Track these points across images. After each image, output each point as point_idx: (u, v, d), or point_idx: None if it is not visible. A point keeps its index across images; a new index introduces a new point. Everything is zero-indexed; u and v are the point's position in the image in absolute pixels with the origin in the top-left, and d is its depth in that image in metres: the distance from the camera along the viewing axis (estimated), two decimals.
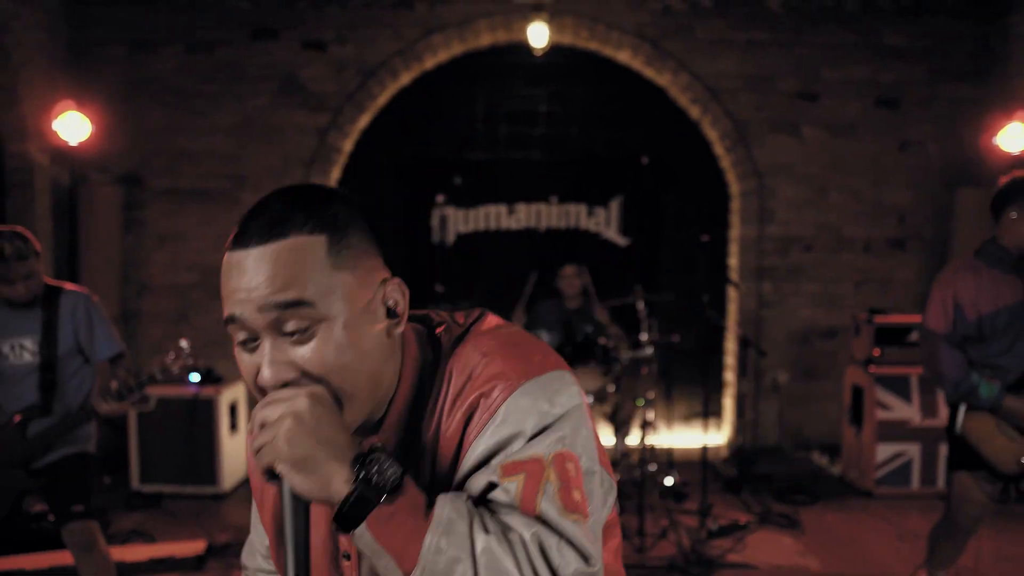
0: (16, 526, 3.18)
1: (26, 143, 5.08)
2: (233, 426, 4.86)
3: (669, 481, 4.67)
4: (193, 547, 3.87)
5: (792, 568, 3.75)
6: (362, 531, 0.81)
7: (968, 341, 2.84)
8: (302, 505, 0.83)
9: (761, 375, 5.65)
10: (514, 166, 5.79)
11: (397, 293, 0.92)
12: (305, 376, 0.86)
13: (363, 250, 0.90)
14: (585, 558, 0.83)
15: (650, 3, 5.40)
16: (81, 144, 4.96)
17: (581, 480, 0.85)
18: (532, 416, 0.85)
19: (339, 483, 0.80)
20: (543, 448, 0.84)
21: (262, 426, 0.83)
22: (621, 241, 5.82)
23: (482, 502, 0.84)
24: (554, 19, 5.36)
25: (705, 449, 4.34)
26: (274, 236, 0.86)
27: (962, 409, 2.84)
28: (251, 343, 0.88)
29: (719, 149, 5.69)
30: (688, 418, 5.80)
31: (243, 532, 4.04)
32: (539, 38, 5.20)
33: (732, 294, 5.79)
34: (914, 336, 4.75)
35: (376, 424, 0.94)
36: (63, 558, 3.70)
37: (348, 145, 5.62)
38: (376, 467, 0.80)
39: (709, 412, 5.84)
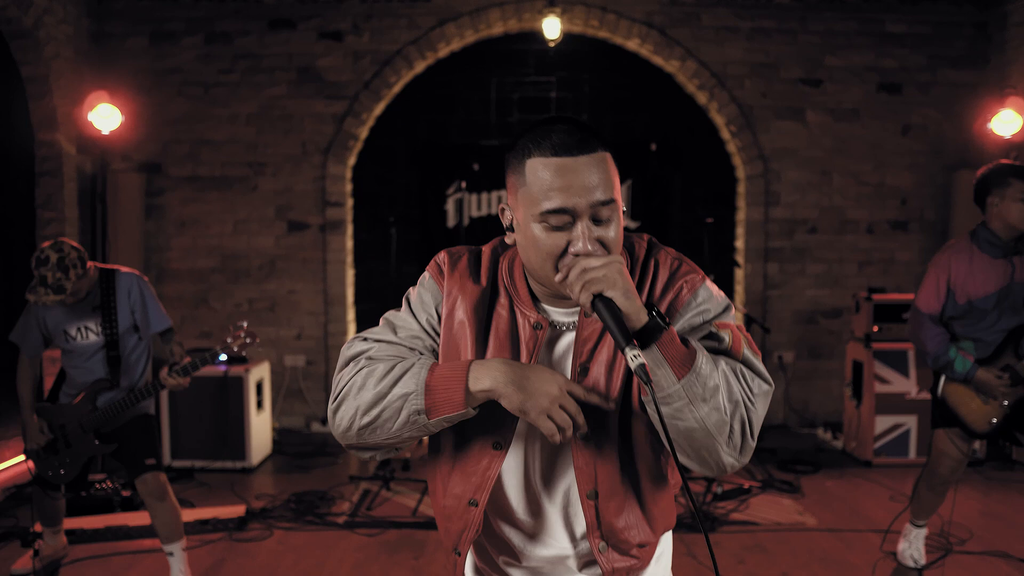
0: (79, 490, 3.71)
1: (55, 132, 5.72)
2: (259, 404, 5.51)
3: None
4: (234, 510, 4.50)
5: (791, 524, 4.40)
6: (653, 349, 1.23)
7: (956, 319, 3.41)
8: (618, 314, 1.24)
9: (768, 354, 6.31)
10: None
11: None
12: (602, 247, 1.31)
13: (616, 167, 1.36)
14: (768, 382, 1.34)
15: None
16: (108, 133, 5.57)
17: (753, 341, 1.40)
18: (719, 301, 1.39)
19: (643, 312, 1.25)
20: (731, 319, 1.39)
21: (593, 269, 1.23)
22: (631, 224, 6.47)
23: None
24: (565, 9, 5.99)
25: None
26: (592, 149, 1.30)
27: (943, 376, 3.43)
28: (564, 226, 1.29)
29: (726, 134, 6.33)
30: None
31: (276, 500, 4.71)
32: (552, 30, 5.82)
33: (738, 275, 6.45)
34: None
35: None
36: (116, 519, 4.38)
37: (364, 132, 6.24)
38: (659, 311, 1.26)
39: None
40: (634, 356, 1.18)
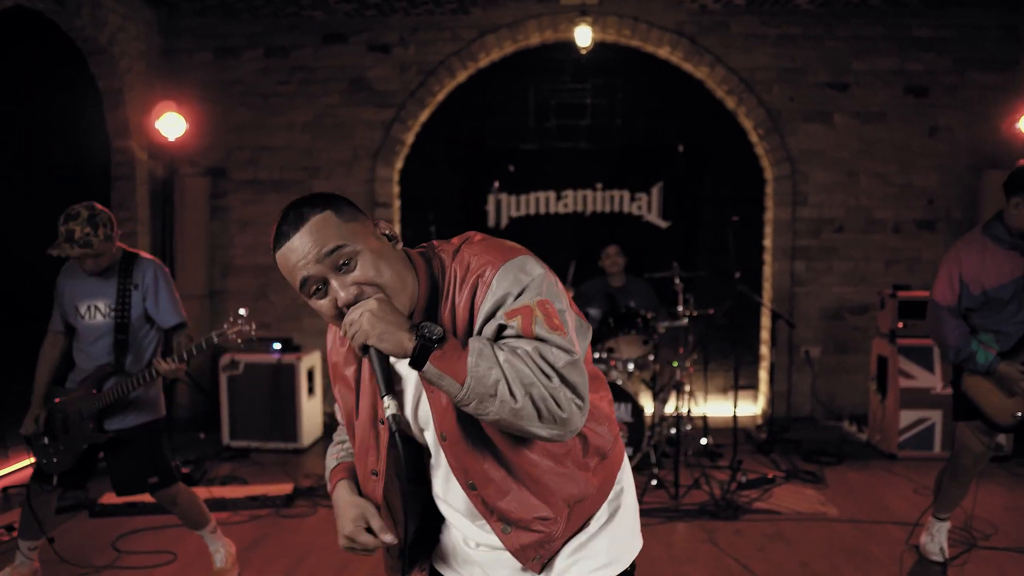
0: (76, 486, 3.26)
1: (128, 140, 5.77)
2: (311, 390, 5.48)
3: (704, 441, 5.13)
4: (282, 488, 4.47)
5: (812, 514, 4.17)
6: (427, 366, 1.22)
7: (974, 311, 3.17)
8: (384, 359, 1.28)
9: (795, 349, 6.05)
10: (562, 155, 6.25)
11: (385, 227, 1.38)
12: (364, 287, 1.29)
13: (354, 212, 1.34)
14: (569, 352, 1.26)
15: (687, 2, 5.80)
16: (175, 140, 5.61)
17: (556, 314, 1.30)
18: (515, 283, 1.30)
19: (407, 342, 1.23)
20: (528, 299, 1.29)
21: (350, 324, 1.25)
22: (662, 224, 6.27)
23: (496, 340, 1.30)
24: (598, 19, 5.83)
25: (735, 416, 4.79)
26: (303, 220, 1.30)
27: (963, 371, 3.19)
28: (321, 291, 1.31)
29: (754, 137, 6.09)
30: (724, 390, 6.24)
31: (323, 479, 4.64)
32: (584, 38, 5.67)
33: (767, 272, 6.20)
34: None
35: (410, 315, 1.36)
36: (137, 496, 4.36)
37: (410, 138, 6.17)
38: (427, 330, 1.23)
39: (745, 383, 6.29)
40: (387, 407, 1.26)
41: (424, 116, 6.15)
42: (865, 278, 6.03)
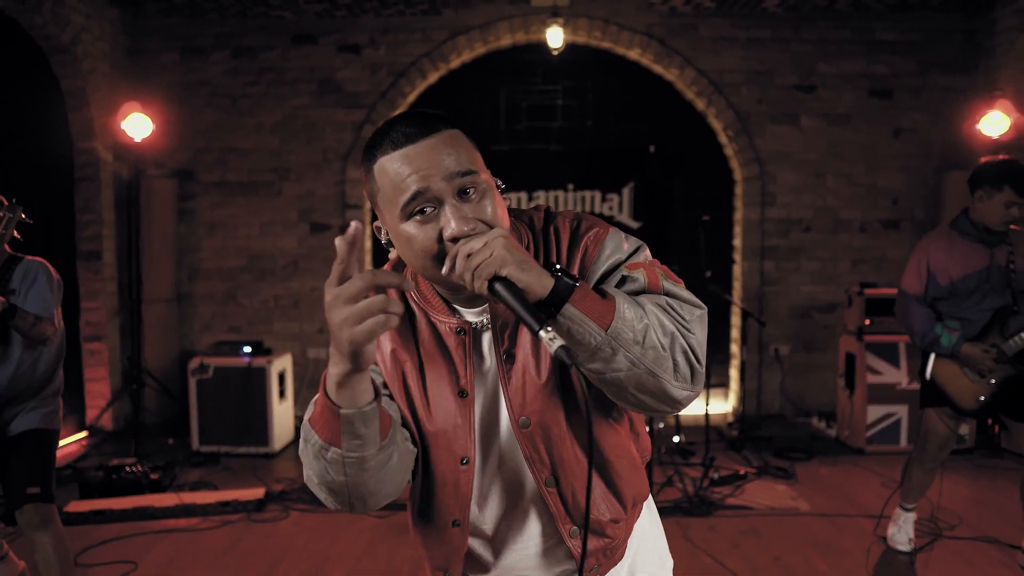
0: None
1: (93, 141, 5.69)
2: (282, 393, 5.43)
3: (676, 439, 5.19)
4: (254, 493, 4.42)
5: (784, 509, 4.24)
6: (568, 308, 1.06)
7: (941, 300, 3.29)
8: (519, 293, 1.06)
9: (765, 347, 6.14)
10: (534, 156, 6.28)
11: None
12: (481, 223, 1.11)
13: (474, 143, 1.19)
14: (697, 305, 1.18)
15: (657, 5, 5.87)
16: (141, 141, 5.54)
17: (671, 273, 1.23)
18: (627, 242, 1.24)
19: (546, 278, 1.07)
20: (642, 258, 1.23)
21: (475, 253, 1.05)
22: (633, 224, 6.34)
23: None
24: (569, 21, 5.88)
25: (707, 414, 4.86)
26: (435, 129, 1.12)
27: (932, 356, 3.34)
28: (428, 213, 1.10)
29: (723, 138, 6.18)
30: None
31: (296, 483, 4.62)
32: (555, 40, 5.72)
33: (737, 272, 6.29)
34: None
35: None
36: (143, 501, 4.31)
37: None
38: (561, 270, 1.10)
39: (716, 381, 6.36)
40: (551, 339, 1.00)
41: None
42: (833, 277, 6.15)
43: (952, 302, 3.28)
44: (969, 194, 3.27)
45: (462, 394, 1.24)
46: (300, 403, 5.96)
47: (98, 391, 5.83)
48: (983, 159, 3.31)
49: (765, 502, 4.33)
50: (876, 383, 5.19)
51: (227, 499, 4.34)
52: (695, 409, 6.06)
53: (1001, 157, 3.28)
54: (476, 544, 1.35)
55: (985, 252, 3.22)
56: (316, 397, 1.11)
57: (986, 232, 3.21)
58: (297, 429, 5.75)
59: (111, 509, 4.20)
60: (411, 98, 6.14)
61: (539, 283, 1.06)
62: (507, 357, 1.24)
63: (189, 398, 5.32)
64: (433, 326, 1.26)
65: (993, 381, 3.22)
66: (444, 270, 1.10)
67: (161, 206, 5.99)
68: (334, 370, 1.03)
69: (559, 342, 1.00)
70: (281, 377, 5.44)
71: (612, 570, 1.39)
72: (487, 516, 1.31)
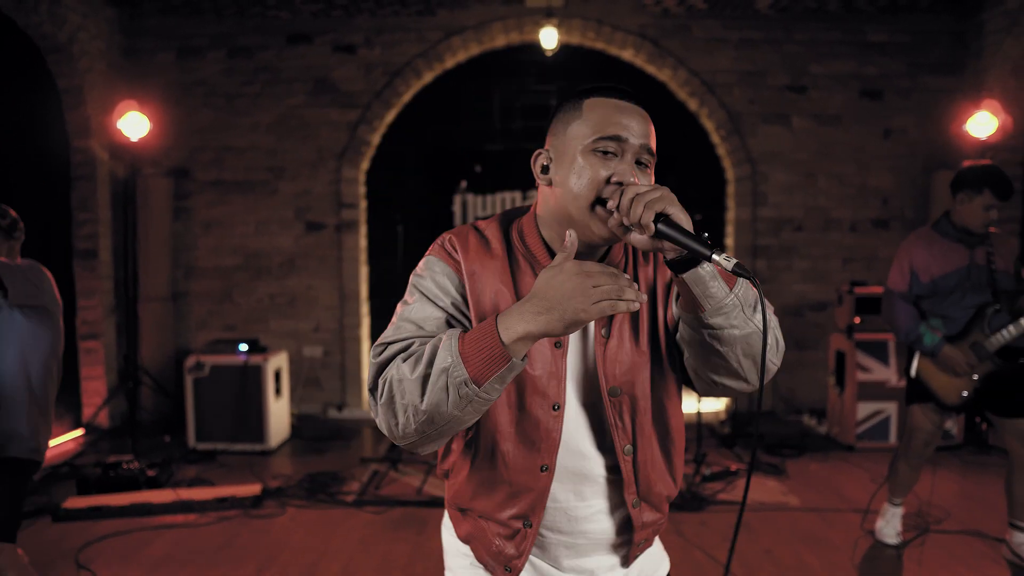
0: None
1: (89, 140, 5.71)
2: (278, 391, 5.46)
3: None
4: (250, 489, 4.45)
5: (775, 504, 4.29)
6: (707, 265, 1.16)
7: (923, 298, 3.39)
8: (685, 229, 1.13)
9: None
10: (528, 156, 6.18)
11: None
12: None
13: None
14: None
15: (650, 6, 5.92)
16: (138, 140, 5.55)
17: None
18: None
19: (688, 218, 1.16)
20: None
21: (647, 191, 1.14)
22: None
23: None
24: (563, 22, 5.92)
25: (699, 412, 4.92)
26: (640, 105, 1.29)
27: (916, 353, 3.43)
28: (613, 156, 1.23)
29: (715, 138, 6.23)
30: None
31: (291, 480, 4.66)
32: (549, 41, 5.76)
33: None
34: None
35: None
36: (140, 497, 4.34)
37: (376, 139, 6.19)
38: (697, 222, 1.33)
39: None
40: (727, 258, 1.09)
41: (390, 117, 6.17)
42: (824, 276, 6.21)
43: (934, 300, 3.37)
44: (952, 198, 3.36)
45: (558, 344, 1.30)
46: (295, 401, 6.00)
47: (94, 389, 5.85)
48: (965, 163, 3.40)
49: (756, 497, 4.39)
50: (866, 380, 5.24)
51: (224, 495, 4.37)
52: (687, 407, 6.13)
53: (982, 162, 3.38)
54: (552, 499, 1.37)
55: (965, 252, 3.31)
56: (470, 335, 1.15)
57: (966, 233, 3.31)
58: (293, 427, 5.78)
59: (108, 505, 4.22)
60: (406, 98, 6.17)
61: (691, 226, 1.14)
62: (605, 331, 1.32)
63: (185, 396, 5.35)
64: (494, 271, 1.33)
65: (976, 377, 3.29)
66: (611, 204, 1.18)
67: (157, 205, 6.01)
68: (535, 328, 1.11)
69: (734, 260, 1.09)
70: (277, 375, 5.47)
71: (639, 558, 1.45)
72: (565, 471, 1.34)
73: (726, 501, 4.31)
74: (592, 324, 1.32)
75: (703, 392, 1.34)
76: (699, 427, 4.87)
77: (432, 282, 1.31)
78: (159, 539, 3.86)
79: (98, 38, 5.74)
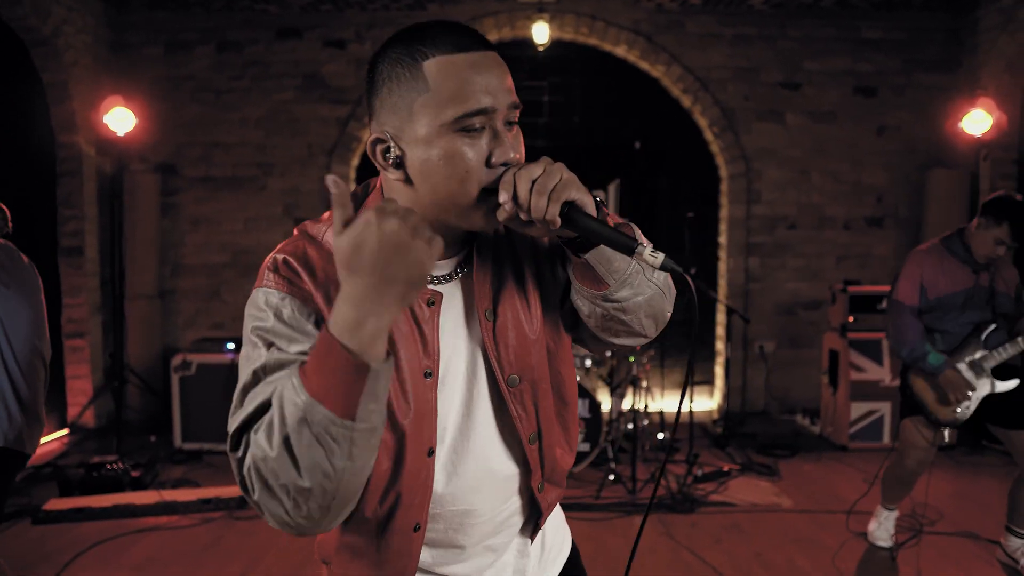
0: None
1: (75, 135, 5.63)
2: None
3: (661, 436, 5.19)
4: (235, 490, 4.38)
5: (767, 505, 4.25)
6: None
7: (924, 312, 3.36)
8: (598, 219, 1.01)
9: (750, 344, 6.15)
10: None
11: None
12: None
13: None
14: None
15: (644, 1, 5.86)
16: (124, 136, 5.47)
17: None
18: None
19: (594, 207, 1.02)
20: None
21: (548, 175, 0.98)
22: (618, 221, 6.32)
23: None
24: (556, 17, 5.86)
25: (691, 412, 4.87)
26: (490, 46, 1.03)
27: (911, 368, 3.38)
28: (482, 132, 1.00)
29: (709, 135, 6.18)
30: (681, 385, 6.30)
31: None
32: (541, 36, 5.70)
33: (722, 269, 6.29)
34: (884, 304, 5.24)
35: None
36: (124, 498, 4.27)
37: (367, 135, 6.11)
38: (600, 200, 1.06)
39: (700, 379, 6.36)
40: (654, 254, 0.98)
41: None
42: (817, 274, 6.16)
43: (935, 315, 3.35)
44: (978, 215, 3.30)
45: (427, 374, 1.09)
46: None
47: (80, 388, 5.78)
48: (1001, 192, 3.30)
49: (748, 498, 4.34)
50: (859, 380, 5.20)
51: (208, 496, 4.31)
52: (684, 408, 6.08)
53: (1016, 196, 3.26)
54: (440, 528, 1.18)
55: (971, 274, 3.31)
56: (310, 363, 0.89)
57: (970, 256, 3.30)
58: None
59: (91, 507, 4.16)
60: None
61: (592, 208, 1.01)
62: (489, 314, 1.14)
63: (172, 395, 5.28)
64: None
65: (970, 395, 3.26)
66: (503, 197, 0.99)
67: (144, 201, 5.94)
68: (374, 322, 0.86)
69: (662, 255, 0.98)
70: None
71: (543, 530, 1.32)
72: (458, 488, 1.16)
73: (718, 502, 4.26)
74: (475, 305, 1.13)
75: (594, 351, 1.27)
76: (691, 427, 4.82)
77: (282, 321, 1.01)
78: (142, 541, 3.80)
79: (84, 32, 5.65)
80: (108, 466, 4.53)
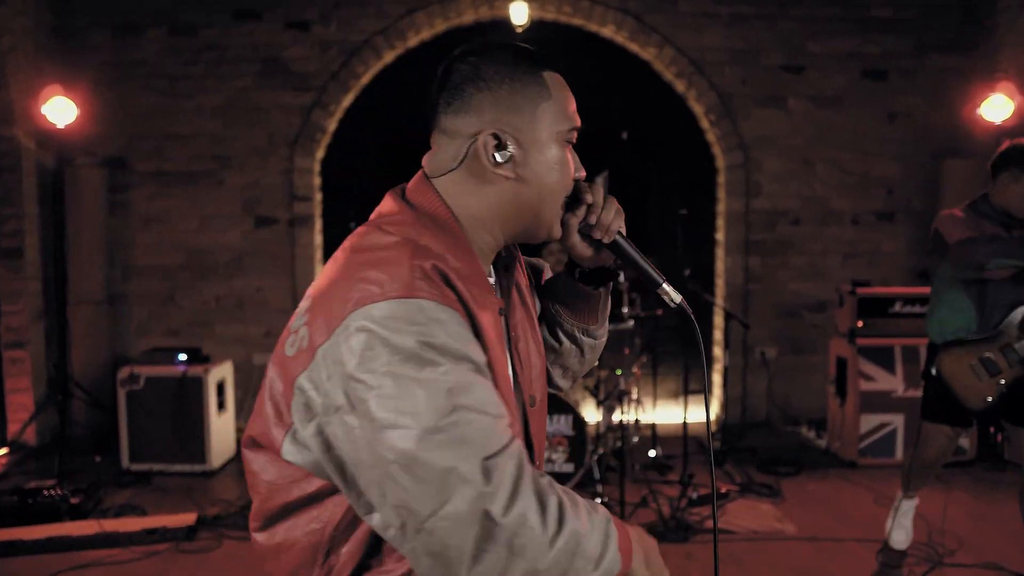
0: None
1: (13, 127, 5.32)
2: (221, 405, 5.10)
3: (652, 453, 4.91)
4: (183, 519, 4.10)
5: (769, 532, 3.97)
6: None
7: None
8: (633, 245, 1.22)
9: (750, 350, 5.88)
10: None
11: None
12: None
13: None
14: None
15: None
16: (67, 127, 5.16)
17: None
18: None
19: None
20: None
21: (612, 205, 1.19)
22: None
23: None
24: None
25: (685, 424, 4.58)
26: None
27: (940, 351, 3.17)
28: (568, 145, 1.17)
29: (704, 123, 5.91)
30: (675, 396, 6.03)
31: (232, 507, 4.30)
32: (520, 16, 5.40)
33: (719, 268, 6.02)
34: (898, 307, 4.99)
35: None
36: (60, 529, 3.98)
37: (332, 124, 5.84)
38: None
39: (696, 388, 6.08)
40: (675, 292, 1.18)
41: (348, 100, 5.83)
42: (823, 273, 5.91)
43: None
44: (990, 178, 3.15)
45: (532, 402, 1.24)
46: (243, 414, 5.63)
47: (20, 403, 5.47)
48: (1008, 141, 3.15)
49: (748, 525, 4.07)
50: (869, 390, 4.95)
51: (154, 526, 4.03)
52: (675, 418, 5.80)
53: (1020, 140, 3.15)
54: None
55: (1005, 235, 3.10)
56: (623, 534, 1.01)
57: (1007, 216, 3.10)
58: (238, 443, 5.41)
59: (23, 540, 3.88)
60: (365, 79, 5.83)
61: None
62: (515, 336, 1.21)
63: (119, 411, 4.98)
64: (485, 310, 1.07)
65: (1003, 382, 3.07)
66: (589, 199, 1.17)
67: (90, 198, 5.63)
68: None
69: (679, 296, 1.17)
70: (220, 387, 5.11)
71: None
72: None
73: (716, 530, 3.97)
74: (504, 325, 1.18)
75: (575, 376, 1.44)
76: (685, 441, 4.53)
77: (451, 338, 0.96)
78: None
79: (22, 14, 5.34)
80: (45, 492, 4.23)
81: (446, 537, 0.87)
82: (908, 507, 3.37)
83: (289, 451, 1.00)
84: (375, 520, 0.95)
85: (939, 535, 3.77)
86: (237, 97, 5.73)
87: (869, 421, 4.96)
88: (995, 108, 5.00)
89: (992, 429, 5.03)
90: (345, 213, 5.50)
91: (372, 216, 1.13)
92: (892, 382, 4.94)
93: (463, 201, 1.11)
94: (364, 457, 0.90)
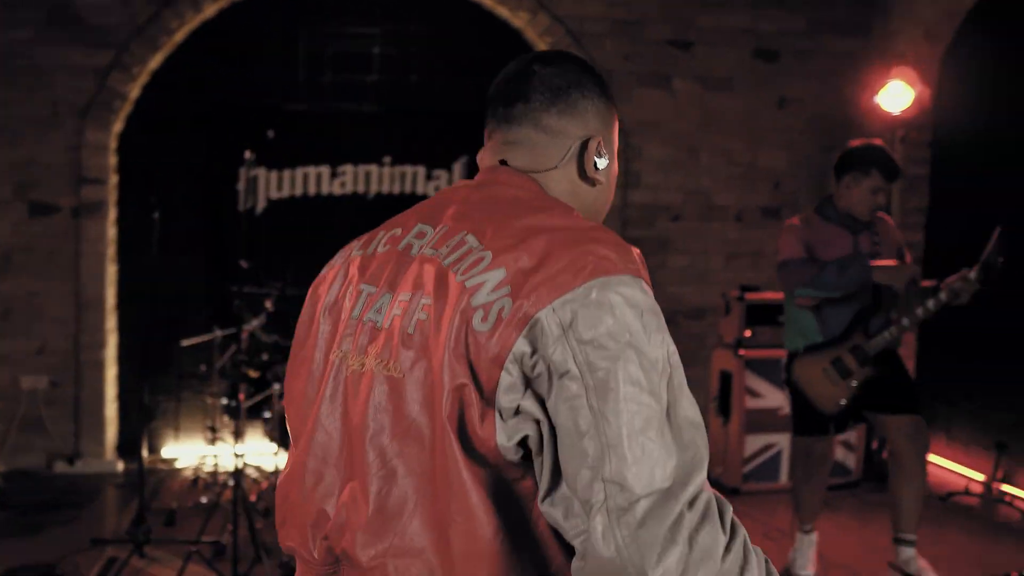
0: None
1: None
2: None
3: None
4: None
5: None
6: None
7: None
8: None
9: None
10: (340, 119, 5.41)
11: None
12: None
13: None
14: None
15: None
16: None
17: None
18: None
19: None
20: None
21: None
22: None
23: None
24: None
25: None
26: None
27: (795, 358, 3.43)
28: None
29: None
30: None
31: None
32: None
33: None
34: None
35: None
36: None
37: (136, 91, 5.13)
38: None
39: None
40: None
41: (156, 62, 5.12)
42: (703, 275, 5.60)
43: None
44: (834, 181, 3.39)
45: None
46: (5, 453, 4.78)
47: None
48: (851, 143, 3.42)
49: None
50: (755, 408, 4.74)
51: None
52: None
53: (868, 141, 3.42)
54: None
55: (849, 238, 3.36)
56: None
57: (850, 219, 3.36)
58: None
59: None
60: (179, 36, 5.11)
61: None
62: None
63: None
64: None
65: (855, 383, 3.33)
66: None
67: None
68: None
69: None
70: None
71: None
72: None
73: None
74: None
75: None
76: None
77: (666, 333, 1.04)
78: None
79: None
80: None
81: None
82: (808, 540, 3.55)
83: (502, 436, 0.97)
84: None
85: (831, 570, 3.70)
86: (12, 53, 4.90)
87: (754, 442, 4.75)
88: (892, 97, 4.80)
89: (876, 445, 5.08)
90: (147, 200, 4.71)
91: (503, 202, 1.11)
92: (779, 398, 4.69)
93: (565, 199, 1.18)
94: (584, 426, 0.93)
